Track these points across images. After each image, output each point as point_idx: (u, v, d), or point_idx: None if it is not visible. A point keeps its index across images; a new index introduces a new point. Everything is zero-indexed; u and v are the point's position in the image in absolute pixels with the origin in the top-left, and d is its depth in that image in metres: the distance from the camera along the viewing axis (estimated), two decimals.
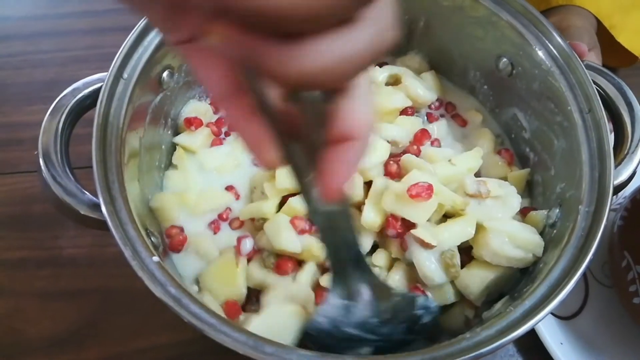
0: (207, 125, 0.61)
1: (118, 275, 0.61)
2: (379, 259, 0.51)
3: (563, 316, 0.60)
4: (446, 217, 0.51)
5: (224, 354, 0.38)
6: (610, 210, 0.67)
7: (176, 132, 0.60)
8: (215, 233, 0.55)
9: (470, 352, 0.38)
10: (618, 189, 0.50)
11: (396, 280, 0.50)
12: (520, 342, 0.60)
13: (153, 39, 0.50)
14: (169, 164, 0.59)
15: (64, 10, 0.86)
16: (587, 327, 0.60)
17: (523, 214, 0.54)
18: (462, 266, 0.49)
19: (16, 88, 0.78)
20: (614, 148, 0.51)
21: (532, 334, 0.57)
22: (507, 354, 0.59)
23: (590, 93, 0.50)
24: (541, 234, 0.51)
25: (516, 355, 0.59)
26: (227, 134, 0.62)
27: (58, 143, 0.45)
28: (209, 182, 0.58)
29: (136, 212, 0.44)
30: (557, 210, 0.50)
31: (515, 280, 0.50)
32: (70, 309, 0.61)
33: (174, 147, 0.59)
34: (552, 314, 0.60)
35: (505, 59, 0.58)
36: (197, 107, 0.61)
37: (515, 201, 0.50)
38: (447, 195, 0.49)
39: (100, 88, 0.47)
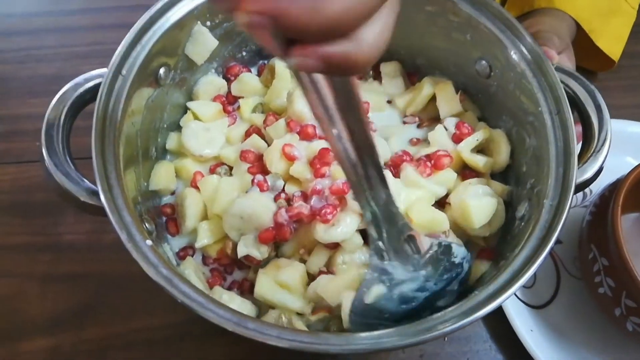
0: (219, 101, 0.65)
1: (115, 260, 0.65)
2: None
3: (535, 305, 0.64)
4: None
5: (216, 333, 0.41)
6: (580, 206, 0.71)
7: (175, 123, 0.64)
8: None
9: (433, 330, 0.41)
10: (584, 185, 0.53)
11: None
12: (493, 329, 0.63)
13: (151, 37, 0.54)
14: (165, 155, 0.63)
15: (67, 7, 0.90)
16: (557, 316, 0.63)
17: None
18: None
19: (20, 82, 0.82)
20: (582, 147, 0.54)
21: (505, 321, 0.61)
22: (481, 339, 0.63)
23: (559, 95, 0.53)
24: (510, 226, 0.55)
25: (489, 341, 0.63)
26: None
27: (60, 135, 0.49)
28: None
29: (132, 199, 0.48)
30: (526, 205, 0.54)
31: None
32: (70, 292, 0.65)
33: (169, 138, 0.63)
34: (524, 302, 0.63)
35: (484, 62, 0.61)
36: (214, 80, 0.66)
37: None
38: None
39: (100, 83, 0.50)
